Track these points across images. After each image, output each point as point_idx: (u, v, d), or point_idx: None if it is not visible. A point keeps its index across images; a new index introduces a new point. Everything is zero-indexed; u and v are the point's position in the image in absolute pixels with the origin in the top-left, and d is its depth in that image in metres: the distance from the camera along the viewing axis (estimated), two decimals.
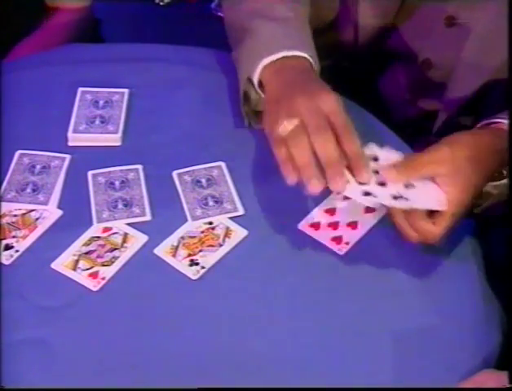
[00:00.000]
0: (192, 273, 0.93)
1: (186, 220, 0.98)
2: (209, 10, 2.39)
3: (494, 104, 1.08)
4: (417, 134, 1.19)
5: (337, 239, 0.96)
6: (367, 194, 0.88)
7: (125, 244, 0.95)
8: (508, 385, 0.79)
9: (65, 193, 1.01)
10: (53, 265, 0.93)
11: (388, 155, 0.92)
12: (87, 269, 0.93)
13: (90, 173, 1.03)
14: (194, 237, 0.96)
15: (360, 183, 0.88)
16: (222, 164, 1.04)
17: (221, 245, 0.96)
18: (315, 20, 1.09)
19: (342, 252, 0.95)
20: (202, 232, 0.97)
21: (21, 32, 1.36)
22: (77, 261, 0.94)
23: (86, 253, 0.94)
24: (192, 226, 0.97)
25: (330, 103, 0.91)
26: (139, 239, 0.96)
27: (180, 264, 0.94)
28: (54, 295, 0.91)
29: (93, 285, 0.92)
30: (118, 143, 1.07)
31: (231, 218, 0.98)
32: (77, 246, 0.95)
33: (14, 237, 0.96)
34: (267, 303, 0.91)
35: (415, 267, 0.94)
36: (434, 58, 1.14)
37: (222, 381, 0.84)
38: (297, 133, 0.89)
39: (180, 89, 1.15)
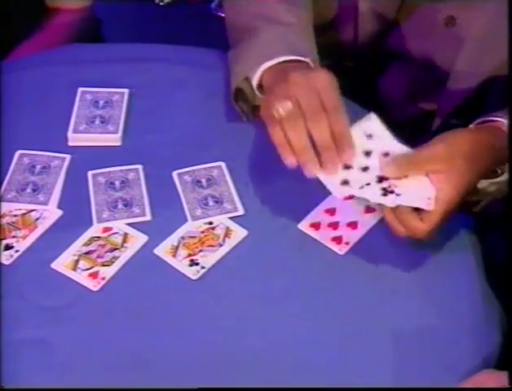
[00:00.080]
0: (192, 273, 0.93)
1: (186, 220, 0.98)
2: (209, 10, 2.39)
3: (492, 103, 1.08)
4: (416, 134, 1.19)
5: (337, 239, 0.96)
6: (362, 187, 0.89)
7: (125, 244, 0.95)
8: (508, 385, 0.79)
9: (65, 193, 1.01)
10: (53, 265, 0.93)
11: (383, 142, 0.92)
12: (87, 269, 0.93)
13: (90, 173, 1.03)
14: (194, 237, 0.96)
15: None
16: (222, 164, 1.04)
17: (221, 245, 0.96)
18: (315, 18, 1.09)
19: (342, 252, 0.95)
20: (202, 232, 0.97)
21: (21, 33, 1.36)
22: (77, 261, 0.94)
23: (86, 253, 0.94)
24: (192, 226, 0.97)
25: (322, 78, 0.92)
26: (139, 239, 0.96)
27: (180, 264, 0.94)
28: (54, 295, 0.91)
29: (93, 285, 0.92)
30: (118, 143, 1.07)
31: (231, 218, 0.98)
32: (77, 246, 0.95)
33: (14, 237, 0.96)
34: (267, 303, 0.91)
35: (415, 267, 0.94)
36: (433, 58, 1.14)
37: (223, 381, 0.84)
38: (293, 115, 0.90)
39: (180, 89, 1.15)
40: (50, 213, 0.99)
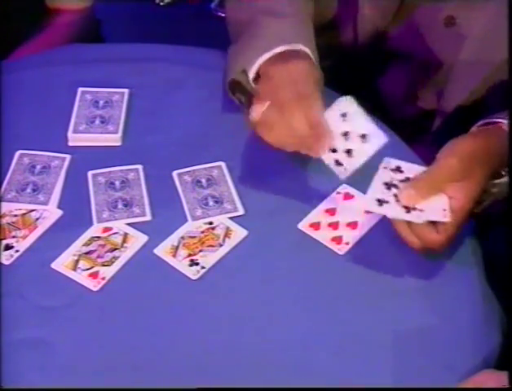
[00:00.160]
0: (192, 273, 0.93)
1: (186, 220, 0.98)
2: (209, 10, 2.39)
3: (492, 102, 1.08)
4: (416, 134, 1.19)
5: (337, 239, 0.96)
6: (380, 203, 0.89)
7: (125, 244, 0.95)
8: (508, 385, 0.79)
9: (65, 193, 1.01)
10: (53, 265, 0.93)
11: (410, 167, 0.92)
12: (87, 269, 0.93)
13: (90, 173, 1.03)
14: (194, 237, 0.96)
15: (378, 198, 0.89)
16: (222, 164, 1.04)
17: (221, 245, 0.96)
18: (315, 18, 1.09)
19: (342, 252, 0.95)
20: (202, 232, 0.97)
21: (21, 33, 1.36)
22: (77, 261, 0.94)
23: (86, 253, 0.94)
24: (192, 226, 0.97)
25: (300, 69, 0.96)
26: (139, 239, 0.96)
27: (180, 264, 0.94)
28: (54, 295, 0.91)
29: (93, 285, 0.92)
30: (118, 143, 1.08)
31: (231, 218, 0.98)
32: (77, 246, 0.95)
33: (14, 237, 0.96)
34: (267, 303, 0.91)
35: (415, 267, 0.94)
36: (433, 58, 1.14)
37: (223, 381, 0.84)
38: (268, 116, 0.94)
39: (180, 89, 1.15)
40: (50, 213, 0.99)
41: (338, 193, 1.01)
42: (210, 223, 0.98)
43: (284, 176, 1.02)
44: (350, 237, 0.97)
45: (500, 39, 1.00)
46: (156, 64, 1.18)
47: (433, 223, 0.88)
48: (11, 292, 0.91)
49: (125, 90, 1.13)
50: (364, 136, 0.93)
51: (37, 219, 0.98)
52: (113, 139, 1.07)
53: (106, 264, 0.93)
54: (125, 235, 0.96)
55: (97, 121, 1.09)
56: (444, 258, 0.95)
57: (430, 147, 1.15)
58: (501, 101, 0.99)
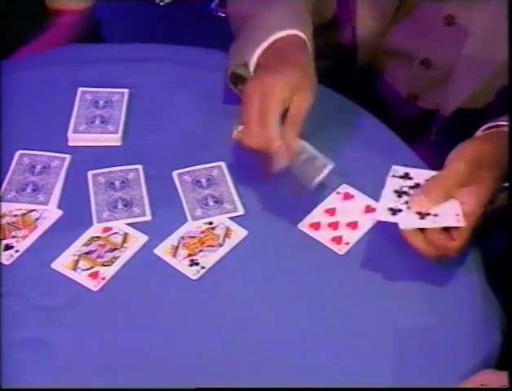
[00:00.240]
0: (192, 273, 0.93)
1: (186, 220, 0.98)
2: (209, 10, 2.39)
3: (493, 102, 1.08)
4: (416, 133, 1.19)
5: (337, 239, 0.96)
6: (394, 212, 0.89)
7: (125, 244, 0.95)
8: (508, 385, 0.79)
9: (65, 193, 1.01)
10: (53, 265, 0.93)
11: (419, 173, 0.92)
12: (87, 269, 0.93)
13: (90, 173, 1.03)
14: (194, 237, 0.96)
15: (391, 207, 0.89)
16: (222, 164, 1.04)
17: (221, 245, 0.96)
18: (314, 18, 1.09)
19: (342, 252, 0.95)
20: (202, 232, 0.97)
21: (22, 34, 1.36)
22: (77, 261, 0.94)
23: (86, 253, 0.94)
24: (191, 226, 0.97)
25: (270, 85, 0.94)
26: (139, 239, 0.96)
27: (180, 264, 0.94)
28: (54, 295, 0.91)
29: (93, 285, 0.92)
30: (118, 143, 1.07)
31: (231, 218, 0.98)
32: (77, 246, 0.95)
33: (14, 237, 0.96)
34: (267, 303, 0.91)
35: (415, 267, 0.94)
36: (433, 57, 1.14)
37: (222, 381, 0.84)
38: (246, 134, 0.95)
39: (180, 89, 1.15)
40: (50, 213, 0.99)
41: (338, 193, 1.01)
42: (210, 223, 0.98)
43: (284, 176, 1.01)
44: (350, 237, 0.97)
45: (501, 39, 1.00)
46: (156, 64, 1.18)
47: (446, 230, 0.88)
48: (11, 292, 0.91)
49: (125, 90, 1.13)
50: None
51: (37, 219, 0.98)
52: (113, 139, 1.07)
53: (106, 264, 0.93)
54: (125, 234, 0.96)
55: (97, 121, 1.09)
56: (444, 258, 0.95)
57: (430, 147, 1.15)
58: (504, 104, 0.99)
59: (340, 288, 0.93)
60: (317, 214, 0.99)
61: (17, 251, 0.95)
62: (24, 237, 0.96)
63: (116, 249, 0.95)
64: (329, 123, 1.05)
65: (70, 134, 1.07)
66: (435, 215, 0.88)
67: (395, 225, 0.93)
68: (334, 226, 0.98)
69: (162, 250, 0.95)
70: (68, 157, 1.05)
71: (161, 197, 1.00)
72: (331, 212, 0.99)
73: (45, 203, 0.99)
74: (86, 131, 1.07)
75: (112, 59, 1.19)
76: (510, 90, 0.98)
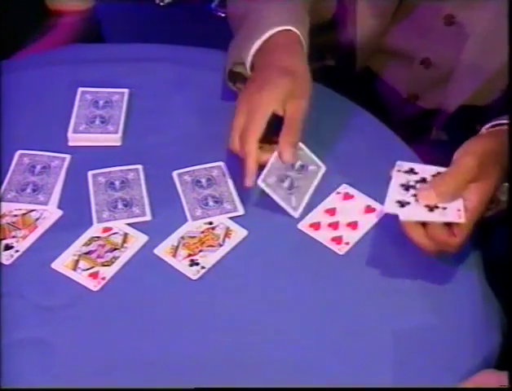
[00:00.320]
0: (192, 273, 0.93)
1: (186, 220, 0.98)
2: (209, 10, 2.39)
3: (494, 102, 1.08)
4: (416, 133, 1.19)
5: (337, 239, 0.96)
6: (402, 205, 0.89)
7: (125, 244, 0.95)
8: (508, 385, 0.79)
9: (65, 193, 1.01)
10: (53, 265, 0.93)
11: (423, 168, 0.92)
12: (87, 269, 0.93)
13: (90, 173, 1.03)
14: (194, 237, 0.96)
15: (398, 200, 0.89)
16: (222, 164, 1.04)
17: (221, 245, 0.96)
18: (314, 16, 1.09)
19: (342, 252, 0.95)
20: (202, 232, 0.97)
21: (22, 35, 1.36)
22: (77, 261, 0.94)
23: (86, 253, 0.94)
24: (191, 226, 0.97)
25: (257, 101, 0.96)
26: (139, 239, 0.96)
27: (180, 264, 0.94)
28: (54, 295, 0.91)
29: (93, 285, 0.92)
30: (118, 143, 1.08)
31: (231, 218, 0.98)
32: (77, 246, 0.95)
33: (14, 237, 0.96)
34: (267, 303, 0.91)
35: (415, 267, 0.94)
36: (433, 57, 1.14)
37: (222, 381, 0.84)
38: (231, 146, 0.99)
39: (180, 89, 1.15)
40: (50, 213, 0.99)
41: (338, 193, 1.01)
42: (210, 223, 0.98)
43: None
44: (351, 237, 0.97)
45: (502, 39, 1.00)
46: (156, 64, 1.18)
47: (447, 225, 0.88)
48: (11, 292, 0.91)
49: (125, 90, 1.13)
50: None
51: (37, 219, 0.98)
52: (113, 139, 1.07)
53: (106, 264, 0.93)
54: (125, 234, 0.96)
55: (97, 121, 1.09)
56: (444, 258, 0.95)
57: (430, 146, 1.15)
58: (505, 104, 0.99)
59: (340, 288, 0.93)
60: (317, 214, 0.99)
61: (17, 251, 0.95)
62: (24, 237, 0.96)
63: (116, 249, 0.95)
64: (329, 123, 1.05)
65: (70, 134, 1.07)
66: (442, 209, 0.88)
67: (395, 225, 0.93)
68: (334, 226, 0.98)
69: (162, 250, 0.95)
70: (68, 157, 1.05)
71: (161, 197, 1.00)
72: (331, 212, 0.99)
73: (45, 203, 0.99)
74: (86, 131, 1.07)
75: (112, 59, 1.19)
76: (510, 90, 0.98)
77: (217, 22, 2.34)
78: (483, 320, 0.91)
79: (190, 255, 0.94)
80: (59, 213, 0.99)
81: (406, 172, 0.92)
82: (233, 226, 0.98)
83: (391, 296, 0.92)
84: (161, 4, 2.44)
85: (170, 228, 0.97)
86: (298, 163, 1.00)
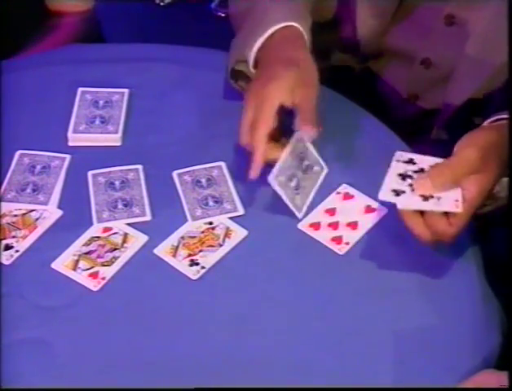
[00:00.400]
0: (192, 273, 0.93)
1: (186, 220, 0.98)
2: (209, 10, 2.40)
3: (495, 101, 1.08)
4: (416, 133, 1.19)
5: (337, 239, 0.96)
6: (397, 194, 0.89)
7: (125, 244, 0.95)
8: (508, 385, 0.79)
9: (65, 193, 1.01)
10: (53, 265, 0.93)
11: (423, 159, 0.92)
12: (87, 269, 0.93)
13: (90, 173, 1.03)
14: (194, 237, 0.96)
15: (394, 189, 0.89)
16: (222, 164, 1.04)
17: (221, 245, 0.96)
18: (315, 16, 1.09)
19: (342, 252, 0.95)
20: (202, 232, 0.97)
21: (22, 36, 1.36)
22: (77, 261, 0.94)
23: (86, 253, 0.94)
24: (191, 226, 0.97)
25: (266, 93, 0.96)
26: (139, 239, 0.96)
27: (180, 264, 0.94)
28: (54, 295, 0.91)
29: (93, 285, 0.92)
30: (118, 143, 1.08)
31: (231, 218, 0.98)
32: (77, 246, 0.95)
33: (14, 237, 0.96)
34: (267, 303, 0.91)
35: (415, 267, 0.94)
36: (433, 57, 1.14)
37: (222, 381, 0.84)
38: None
39: (180, 89, 1.15)
40: (50, 213, 0.99)
41: (338, 193, 1.01)
42: (210, 223, 0.98)
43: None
44: (351, 237, 0.97)
45: (502, 39, 1.00)
46: (156, 64, 1.18)
47: (445, 214, 0.88)
48: (11, 292, 0.91)
49: (125, 90, 1.13)
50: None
51: (37, 219, 0.98)
52: (113, 139, 1.07)
53: (106, 264, 0.93)
54: (125, 235, 0.96)
55: (97, 121, 1.09)
56: (444, 258, 0.95)
57: (430, 146, 1.15)
58: (505, 102, 0.99)
59: (340, 288, 0.93)
60: (317, 214, 0.99)
61: (17, 251, 0.95)
62: (24, 237, 0.96)
63: (116, 249, 0.95)
64: (329, 123, 1.05)
65: (70, 134, 1.07)
66: (436, 199, 0.88)
67: (395, 225, 0.93)
68: (334, 226, 0.98)
69: (162, 250, 0.95)
70: (68, 157, 1.05)
71: (161, 197, 1.00)
72: (331, 212, 0.99)
73: (45, 203, 0.99)
74: (85, 131, 1.07)
75: (112, 59, 1.19)
76: (510, 90, 0.98)
77: (217, 22, 2.35)
78: (483, 320, 0.91)
79: (190, 255, 0.94)
80: (59, 213, 0.99)
81: (405, 162, 0.92)
82: (233, 226, 0.98)
83: (391, 296, 0.92)
84: (161, 4, 2.44)
85: (170, 228, 0.97)
86: (306, 163, 1.00)
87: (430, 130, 1.20)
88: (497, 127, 0.94)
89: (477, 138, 0.91)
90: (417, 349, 0.88)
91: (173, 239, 0.96)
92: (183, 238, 0.96)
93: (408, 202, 0.88)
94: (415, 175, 0.90)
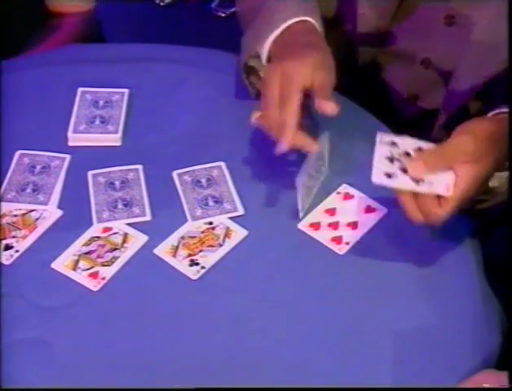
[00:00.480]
0: (192, 273, 0.93)
1: (186, 220, 0.98)
2: (209, 10, 2.40)
3: (496, 99, 1.08)
4: (416, 133, 1.19)
5: (337, 239, 0.96)
6: (389, 176, 0.89)
7: (125, 244, 0.95)
8: (508, 385, 0.79)
9: (65, 193, 1.01)
10: (53, 265, 0.93)
11: (408, 142, 0.92)
12: (87, 269, 0.93)
13: (90, 173, 1.03)
14: (194, 237, 0.96)
15: (386, 172, 0.89)
16: (222, 164, 1.04)
17: (221, 245, 0.96)
18: None
19: (342, 252, 0.95)
20: (202, 232, 0.97)
21: (23, 37, 1.36)
22: (77, 261, 0.94)
23: (86, 253, 0.94)
24: (191, 226, 0.97)
25: (291, 71, 0.95)
26: (139, 239, 0.96)
27: (180, 264, 0.94)
28: (54, 295, 0.91)
29: (93, 285, 0.92)
30: (118, 143, 1.08)
31: (231, 218, 0.98)
32: (77, 246, 0.95)
33: (14, 237, 0.96)
34: (267, 303, 0.91)
35: (415, 267, 0.94)
36: (434, 57, 1.13)
37: (222, 381, 0.84)
38: (264, 118, 0.96)
39: (180, 89, 1.15)
40: (50, 213, 0.99)
41: (338, 193, 1.01)
42: (210, 223, 0.98)
43: (284, 176, 1.01)
44: (350, 237, 0.97)
45: (502, 39, 1.00)
46: (156, 64, 1.18)
47: (437, 197, 0.88)
48: (11, 292, 0.91)
49: (125, 90, 1.13)
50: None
51: (37, 219, 0.98)
52: (113, 139, 1.07)
53: (106, 264, 0.93)
54: (125, 235, 0.96)
55: (97, 121, 1.09)
56: (445, 258, 0.95)
57: None
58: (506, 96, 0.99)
59: (340, 288, 0.93)
60: (317, 214, 0.99)
61: (17, 251, 0.95)
62: (24, 237, 0.96)
63: (116, 249, 0.95)
64: (330, 123, 1.05)
65: (70, 134, 1.07)
66: (428, 182, 0.88)
67: (395, 225, 0.94)
68: (334, 226, 0.98)
69: (162, 250, 0.95)
70: (68, 157, 1.05)
71: (161, 197, 1.01)
72: (331, 212, 0.99)
73: (45, 203, 0.99)
74: (85, 131, 1.07)
75: (112, 59, 1.19)
76: (510, 90, 0.98)
77: (217, 22, 2.35)
78: (483, 320, 0.91)
79: (190, 255, 0.94)
80: (59, 213, 0.99)
81: (388, 144, 0.92)
82: (233, 226, 0.98)
83: (391, 296, 0.92)
84: (161, 4, 2.44)
85: (170, 228, 0.97)
86: (319, 163, 1.00)
87: (430, 130, 1.20)
88: (497, 119, 0.94)
89: (474, 126, 0.91)
90: (417, 349, 0.88)
91: (173, 239, 0.96)
92: (183, 238, 0.96)
93: (401, 184, 0.88)
94: (402, 159, 0.90)
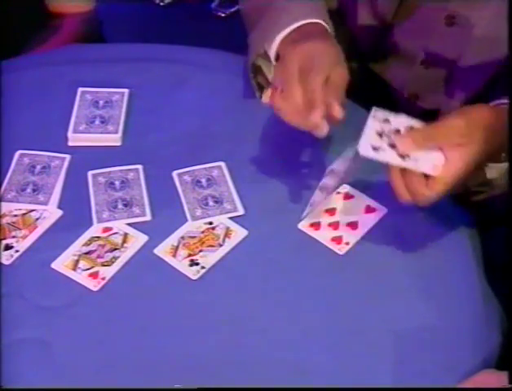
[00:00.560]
0: (192, 273, 0.93)
1: (186, 220, 0.98)
2: (209, 10, 2.40)
3: (499, 94, 1.08)
4: None
5: (337, 239, 0.96)
6: (375, 149, 0.89)
7: (125, 244, 0.95)
8: (508, 385, 0.79)
9: (65, 193, 1.01)
10: (53, 265, 0.93)
11: (401, 120, 0.92)
12: (87, 269, 0.93)
13: (90, 173, 1.03)
14: (194, 237, 0.96)
15: (373, 145, 0.89)
16: (222, 164, 1.04)
17: (221, 245, 0.96)
18: None
19: (342, 252, 0.95)
20: (202, 232, 0.97)
21: (23, 37, 1.36)
22: (77, 261, 0.94)
23: (86, 253, 0.94)
24: (191, 226, 0.97)
25: (308, 47, 0.94)
26: (139, 239, 0.96)
27: (180, 264, 0.94)
28: (54, 295, 0.91)
29: (93, 285, 0.92)
30: (118, 143, 1.08)
31: (231, 218, 0.98)
32: (77, 246, 0.95)
33: (14, 237, 0.96)
34: (267, 303, 0.91)
35: (415, 267, 0.94)
36: (434, 57, 1.14)
37: (222, 381, 0.84)
38: (283, 96, 0.92)
39: (180, 89, 1.15)
40: (50, 213, 0.99)
41: (338, 193, 1.01)
42: (210, 223, 0.98)
43: (284, 176, 1.01)
44: (351, 237, 0.97)
45: (502, 39, 1.00)
46: (156, 64, 1.18)
47: (426, 178, 0.88)
48: (11, 292, 0.91)
49: (125, 90, 1.13)
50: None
51: (37, 219, 0.98)
52: (113, 139, 1.07)
53: (106, 264, 0.93)
54: (125, 235, 0.96)
55: (97, 121, 1.09)
56: (444, 258, 0.95)
57: None
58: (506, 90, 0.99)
59: (340, 288, 0.93)
60: (317, 214, 0.99)
61: (17, 251, 0.95)
62: (24, 237, 0.96)
63: (116, 249, 0.95)
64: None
65: (70, 134, 1.07)
66: (416, 159, 0.88)
67: (395, 225, 0.94)
68: (334, 226, 0.98)
69: (162, 250, 0.95)
70: (68, 157, 1.05)
71: (161, 197, 1.01)
72: (331, 212, 0.99)
73: (45, 203, 0.99)
74: (85, 131, 1.07)
75: (112, 59, 1.19)
76: (510, 90, 0.98)
77: (217, 22, 2.35)
78: (483, 320, 0.91)
79: (190, 255, 0.94)
80: (59, 213, 0.99)
81: (381, 121, 0.92)
82: (233, 226, 0.98)
83: (391, 296, 0.92)
84: (161, 4, 2.44)
85: (170, 228, 0.97)
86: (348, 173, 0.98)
87: None
88: (496, 109, 0.94)
89: (471, 111, 0.91)
90: (417, 349, 0.88)
91: (173, 239, 0.96)
92: (183, 238, 0.96)
93: (387, 158, 0.88)
94: (392, 135, 0.90)
